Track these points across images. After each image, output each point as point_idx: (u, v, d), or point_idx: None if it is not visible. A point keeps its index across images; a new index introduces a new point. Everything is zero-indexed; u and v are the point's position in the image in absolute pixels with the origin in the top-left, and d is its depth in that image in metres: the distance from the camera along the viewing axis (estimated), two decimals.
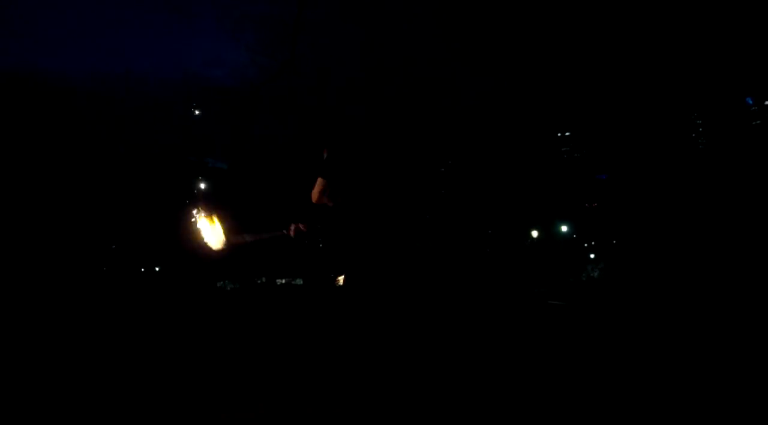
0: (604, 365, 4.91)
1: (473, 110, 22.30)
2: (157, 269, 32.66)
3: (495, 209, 27.48)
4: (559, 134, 43.60)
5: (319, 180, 3.48)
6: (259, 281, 31.33)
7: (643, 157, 32.62)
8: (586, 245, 34.54)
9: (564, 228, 32.12)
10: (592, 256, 33.99)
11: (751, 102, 38.68)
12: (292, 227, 3.70)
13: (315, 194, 3.49)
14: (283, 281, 32.16)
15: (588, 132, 39.16)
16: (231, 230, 3.72)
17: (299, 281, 30.81)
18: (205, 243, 3.72)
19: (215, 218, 3.74)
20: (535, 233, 32.20)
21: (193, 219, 3.64)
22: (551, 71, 22.52)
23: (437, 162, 26.35)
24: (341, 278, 3.38)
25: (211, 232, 3.70)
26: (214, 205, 3.76)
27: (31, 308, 10.32)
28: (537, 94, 24.92)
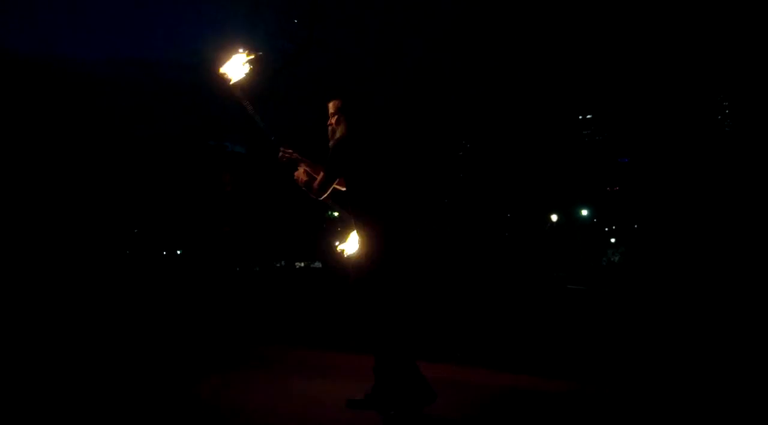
0: (624, 351, 4.86)
1: (492, 92, 21.97)
2: (178, 252, 33.14)
3: (514, 193, 27.23)
4: (580, 117, 42.99)
5: (326, 175, 3.08)
6: (278, 265, 31.61)
7: (667, 139, 31.92)
8: (606, 229, 34.19)
9: (584, 212, 31.78)
10: (612, 240, 33.67)
11: None
12: (283, 151, 3.26)
13: (321, 187, 3.11)
14: (302, 264, 32.40)
15: (610, 115, 38.48)
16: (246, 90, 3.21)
17: (318, 265, 31.00)
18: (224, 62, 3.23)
19: (252, 63, 3.21)
20: (554, 217, 31.91)
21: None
22: (573, 52, 22.05)
23: (455, 146, 26.11)
24: (345, 250, 3.14)
25: (238, 66, 3.22)
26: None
27: (57, 289, 10.55)
28: (558, 76, 24.44)
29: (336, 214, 34.42)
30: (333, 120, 3.16)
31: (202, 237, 30.18)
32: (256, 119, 3.30)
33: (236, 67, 3.22)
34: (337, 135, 3.13)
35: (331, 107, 3.18)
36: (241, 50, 3.23)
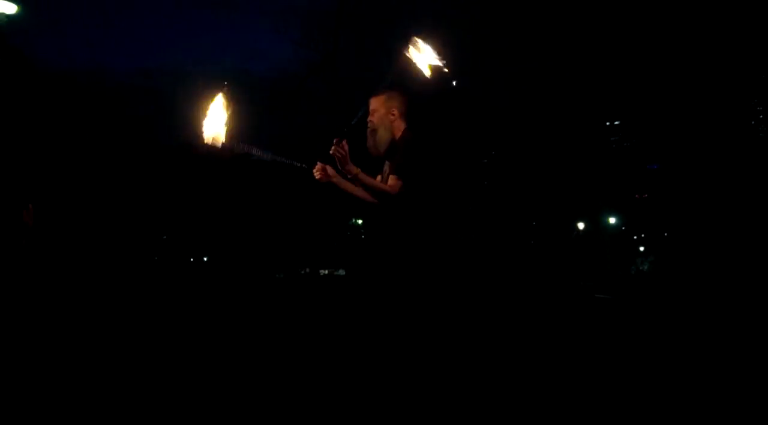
0: (652, 361, 4.75)
1: (520, 98, 21.83)
2: (205, 259, 33.65)
3: (540, 201, 26.96)
4: (608, 123, 42.39)
5: (396, 181, 2.69)
6: (302, 272, 31.83)
7: (697, 146, 31.23)
8: (635, 237, 33.60)
9: (612, 220, 31.27)
10: (641, 249, 33.06)
11: None
12: (319, 167, 2.81)
13: (379, 145, 2.76)
14: (326, 272, 32.57)
15: (638, 121, 37.86)
16: (238, 138, 2.78)
17: (341, 272, 31.13)
18: (201, 131, 2.82)
19: (228, 113, 2.77)
20: (581, 225, 31.46)
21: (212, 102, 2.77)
22: (601, 58, 21.79)
23: (481, 153, 25.98)
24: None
25: (213, 123, 2.79)
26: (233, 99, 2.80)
27: (90, 293, 10.79)
28: (586, 82, 24.18)
29: (360, 221, 34.56)
30: (375, 117, 2.81)
31: (228, 244, 30.62)
32: (274, 159, 2.89)
33: (213, 127, 2.83)
34: (384, 127, 2.80)
35: (375, 101, 2.82)
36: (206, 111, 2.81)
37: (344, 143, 2.69)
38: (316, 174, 2.84)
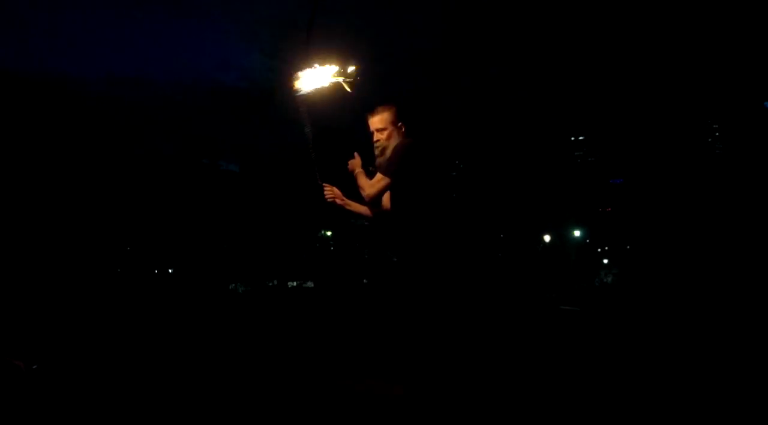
0: (617, 371, 4.84)
1: (486, 113, 22.20)
2: (170, 271, 32.92)
3: (507, 214, 27.34)
4: (572, 138, 43.41)
5: (382, 179, 2.82)
6: (270, 284, 31.44)
7: (659, 161, 32.24)
8: (599, 250, 34.29)
9: (577, 233, 31.86)
10: (605, 261, 33.73)
11: None
12: (329, 189, 3.05)
13: (374, 192, 2.85)
14: (295, 283, 32.25)
15: (602, 136, 38.87)
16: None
17: (310, 285, 30.88)
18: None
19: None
20: (547, 238, 31.98)
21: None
22: (565, 74, 22.40)
23: (448, 166, 26.25)
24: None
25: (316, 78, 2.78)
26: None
27: (45, 307, 10.42)
28: (551, 98, 24.79)
29: (329, 233, 34.37)
30: (383, 135, 2.86)
31: (194, 256, 30.06)
32: (310, 145, 2.98)
33: (313, 79, 2.88)
34: (395, 143, 2.85)
35: (380, 121, 2.88)
36: (330, 66, 2.86)
37: (329, 187, 3.05)
38: (327, 194, 3.10)
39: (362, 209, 3.11)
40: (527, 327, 8.96)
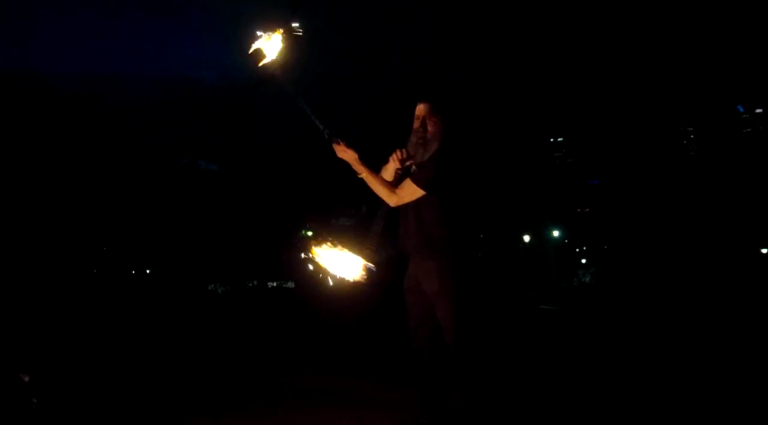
0: (595, 369, 4.89)
1: (466, 113, 22.33)
2: (147, 271, 32.45)
3: (487, 214, 27.49)
4: (551, 139, 43.88)
5: (416, 190, 2.61)
6: (250, 285, 31.20)
7: (636, 163, 32.76)
8: (577, 250, 34.69)
9: (556, 233, 32.19)
10: (583, 261, 34.14)
11: (741, 110, 39.16)
12: (341, 148, 2.64)
13: (403, 203, 2.66)
14: (275, 284, 32.04)
15: (581, 138, 39.37)
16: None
17: (290, 285, 30.69)
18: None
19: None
20: (527, 238, 32.25)
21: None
22: (545, 76, 22.64)
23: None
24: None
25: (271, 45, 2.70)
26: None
27: (23, 308, 10.18)
28: (530, 99, 25.02)
29: (310, 233, 34.22)
30: (432, 127, 2.65)
31: (172, 256, 29.67)
32: (302, 105, 2.69)
33: (269, 46, 2.72)
34: (436, 144, 2.67)
35: (432, 111, 2.67)
36: (264, 32, 2.73)
37: (342, 146, 2.63)
38: (339, 152, 2.66)
39: (382, 189, 2.68)
40: (508, 326, 9.02)
